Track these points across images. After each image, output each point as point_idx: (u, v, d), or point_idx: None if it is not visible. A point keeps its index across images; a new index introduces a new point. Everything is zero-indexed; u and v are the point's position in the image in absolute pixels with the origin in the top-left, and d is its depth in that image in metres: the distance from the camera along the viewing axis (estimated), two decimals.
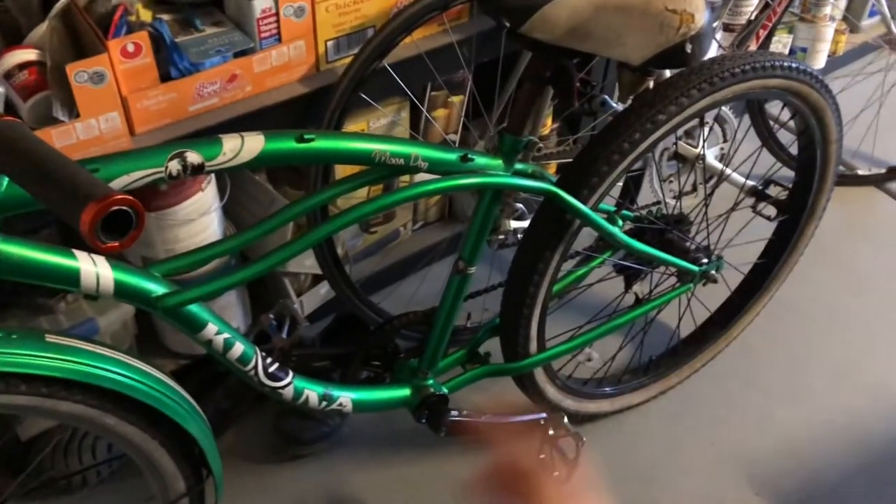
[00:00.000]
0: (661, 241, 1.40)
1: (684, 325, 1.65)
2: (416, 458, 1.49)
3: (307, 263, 1.53)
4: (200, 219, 1.37)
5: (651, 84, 1.02)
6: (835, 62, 2.47)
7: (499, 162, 1.06)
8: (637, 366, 1.59)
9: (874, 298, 1.86)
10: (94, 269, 0.83)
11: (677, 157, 1.71)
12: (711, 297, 1.63)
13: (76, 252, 0.82)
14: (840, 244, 1.99)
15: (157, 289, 0.88)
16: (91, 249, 0.83)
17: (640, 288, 1.50)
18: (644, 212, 1.47)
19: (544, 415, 1.31)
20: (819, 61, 2.38)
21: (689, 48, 0.93)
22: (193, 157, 0.82)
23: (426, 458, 1.49)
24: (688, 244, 1.38)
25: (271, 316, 1.25)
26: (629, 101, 1.07)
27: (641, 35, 0.93)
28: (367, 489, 1.46)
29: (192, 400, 1.02)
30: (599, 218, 1.16)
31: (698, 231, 1.45)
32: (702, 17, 0.93)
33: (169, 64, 1.22)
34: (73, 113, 1.13)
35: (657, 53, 0.94)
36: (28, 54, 1.15)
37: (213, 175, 1.37)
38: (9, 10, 1.24)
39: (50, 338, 0.86)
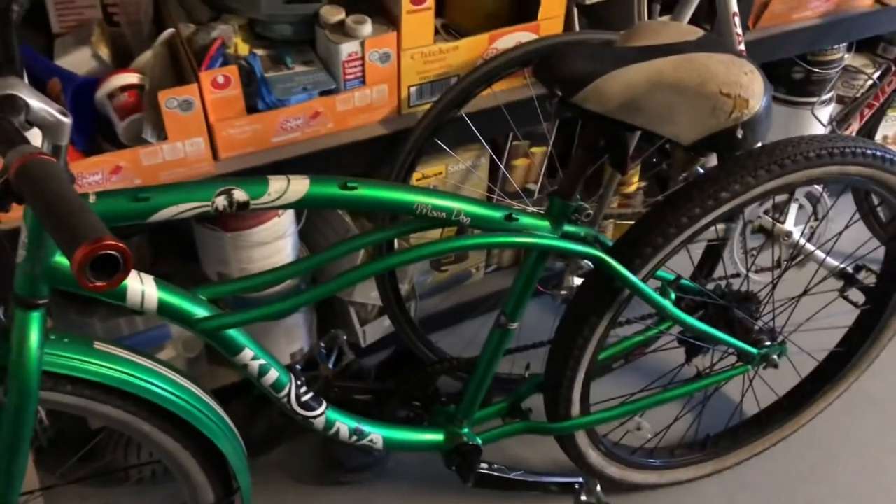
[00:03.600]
0: (726, 318, 1.36)
1: (750, 406, 1.58)
2: (454, 501, 1.50)
3: (372, 295, 1.58)
4: (275, 242, 1.44)
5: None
6: None
7: (545, 223, 1.07)
8: (692, 441, 1.54)
9: None
10: (140, 287, 0.89)
11: (762, 230, 1.66)
12: (782, 380, 1.56)
13: None
14: None
15: (198, 311, 0.94)
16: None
17: (702, 361, 1.46)
18: (714, 284, 1.43)
19: (580, 479, 1.30)
20: None
21: (740, 133, 0.91)
22: (240, 194, 0.88)
23: (464, 502, 1.50)
24: (751, 324, 1.33)
25: (322, 344, 1.29)
26: (680, 178, 1.06)
27: (693, 116, 0.92)
28: None
29: (227, 418, 1.07)
30: (650, 289, 1.15)
31: (769, 311, 1.40)
32: (757, 103, 0.91)
33: (257, 97, 1.30)
34: (162, 135, 1.22)
35: (707, 136, 0.92)
36: (130, 77, 1.25)
37: None
38: (124, 34, 1.36)
39: (98, 345, 0.93)
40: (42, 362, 0.85)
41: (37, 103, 0.74)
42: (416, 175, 1.53)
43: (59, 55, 1.32)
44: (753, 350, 1.33)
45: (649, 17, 1.44)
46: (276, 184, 0.89)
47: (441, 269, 1.76)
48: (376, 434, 1.18)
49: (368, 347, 1.69)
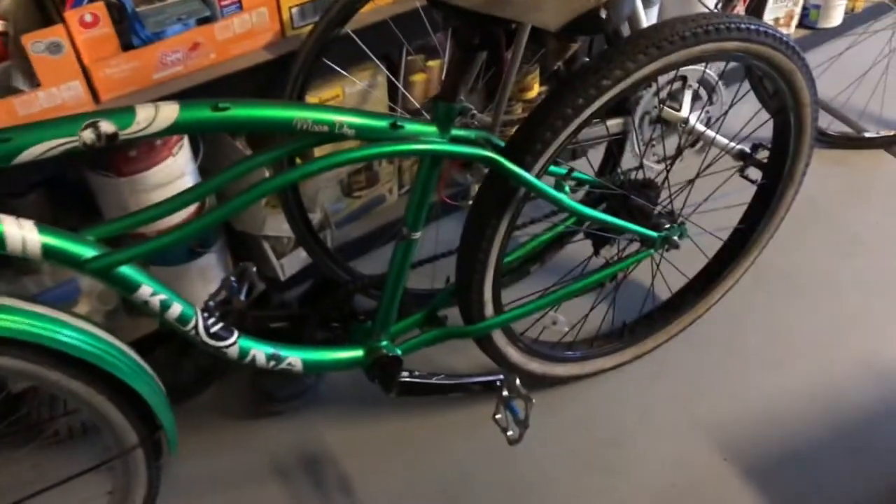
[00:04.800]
0: (627, 207, 1.40)
1: (663, 291, 1.64)
2: (389, 417, 1.53)
3: (283, 227, 1.57)
4: (174, 182, 1.41)
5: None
6: (853, 19, 2.38)
7: (433, 129, 1.07)
8: (609, 330, 1.60)
9: (870, 265, 1.82)
10: (19, 232, 0.87)
11: (660, 120, 1.69)
12: (692, 264, 1.62)
13: (1, 216, 0.87)
14: (840, 208, 1.95)
15: (86, 252, 0.93)
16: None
17: (609, 251, 1.50)
18: (613, 176, 1.46)
19: (500, 376, 1.34)
20: (833, 19, 2.30)
21: (603, 13, 0.92)
22: (106, 126, 0.86)
23: (400, 416, 1.53)
24: (649, 210, 1.37)
25: (232, 278, 1.29)
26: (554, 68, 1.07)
27: (557, 0, 0.93)
28: (339, 446, 1.50)
29: (138, 358, 1.07)
30: (544, 185, 1.17)
31: (670, 196, 1.44)
32: None
33: (131, 33, 1.26)
34: (35, 82, 1.18)
35: (573, 19, 0.93)
36: None
37: (184, 139, 1.41)
38: None
39: None
40: None
41: None
42: (311, 99, 1.51)
43: None
44: (654, 234, 1.37)
45: None
46: (144, 112, 0.88)
47: (354, 196, 1.76)
48: (294, 357, 1.19)
49: (290, 280, 1.69)
